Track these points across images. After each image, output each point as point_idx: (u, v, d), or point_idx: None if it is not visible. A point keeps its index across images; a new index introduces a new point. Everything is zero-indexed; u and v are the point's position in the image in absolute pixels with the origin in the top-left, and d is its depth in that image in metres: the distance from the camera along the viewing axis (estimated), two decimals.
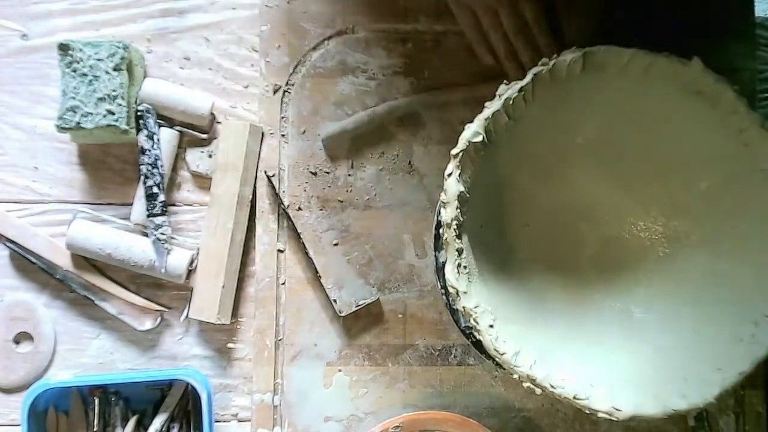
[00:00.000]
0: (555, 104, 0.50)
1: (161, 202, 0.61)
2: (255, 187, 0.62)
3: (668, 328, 0.54)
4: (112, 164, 0.63)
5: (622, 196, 0.56)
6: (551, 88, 0.49)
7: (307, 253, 0.61)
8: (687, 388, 0.47)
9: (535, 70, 0.48)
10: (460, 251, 0.47)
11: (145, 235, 0.61)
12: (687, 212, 0.54)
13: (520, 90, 0.47)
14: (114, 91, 0.58)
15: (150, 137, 0.60)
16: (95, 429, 0.60)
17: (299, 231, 0.61)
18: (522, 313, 0.53)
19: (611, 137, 0.54)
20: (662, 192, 0.55)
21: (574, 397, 0.47)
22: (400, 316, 0.62)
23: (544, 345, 0.50)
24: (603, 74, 0.49)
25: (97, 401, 0.60)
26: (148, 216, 0.60)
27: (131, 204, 0.62)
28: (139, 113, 0.60)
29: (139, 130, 0.60)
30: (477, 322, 0.47)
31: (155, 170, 0.60)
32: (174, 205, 0.63)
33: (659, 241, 0.56)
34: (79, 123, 0.58)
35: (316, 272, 0.61)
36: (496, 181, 0.53)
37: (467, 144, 0.47)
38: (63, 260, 0.61)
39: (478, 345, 0.57)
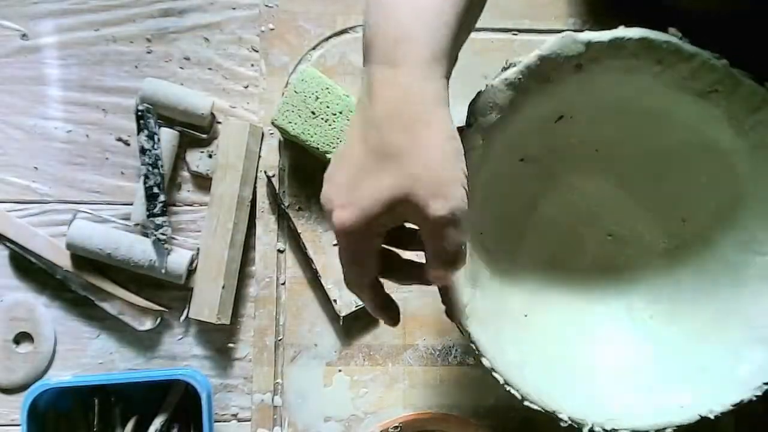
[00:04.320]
0: (549, 103, 0.49)
1: (161, 202, 0.61)
2: (255, 187, 0.62)
3: (671, 327, 0.54)
4: (112, 164, 0.63)
5: (622, 194, 0.56)
6: (542, 90, 0.47)
7: (307, 253, 0.61)
8: (688, 398, 0.48)
9: (527, 62, 0.45)
10: None
11: (145, 235, 0.61)
12: (687, 208, 0.54)
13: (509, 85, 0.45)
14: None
15: (150, 137, 0.60)
16: (95, 429, 0.60)
17: (299, 231, 0.61)
18: (522, 316, 0.53)
19: (610, 136, 0.54)
20: (662, 188, 0.55)
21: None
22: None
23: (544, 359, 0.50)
24: (603, 73, 0.48)
25: (97, 401, 0.60)
26: (148, 216, 0.60)
27: (131, 204, 0.62)
28: (139, 113, 0.60)
29: (139, 130, 0.60)
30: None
31: (155, 170, 0.60)
32: (174, 205, 0.63)
33: (659, 238, 0.56)
34: None
35: (316, 272, 0.61)
36: (494, 183, 0.53)
37: None
38: (63, 260, 0.61)
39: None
